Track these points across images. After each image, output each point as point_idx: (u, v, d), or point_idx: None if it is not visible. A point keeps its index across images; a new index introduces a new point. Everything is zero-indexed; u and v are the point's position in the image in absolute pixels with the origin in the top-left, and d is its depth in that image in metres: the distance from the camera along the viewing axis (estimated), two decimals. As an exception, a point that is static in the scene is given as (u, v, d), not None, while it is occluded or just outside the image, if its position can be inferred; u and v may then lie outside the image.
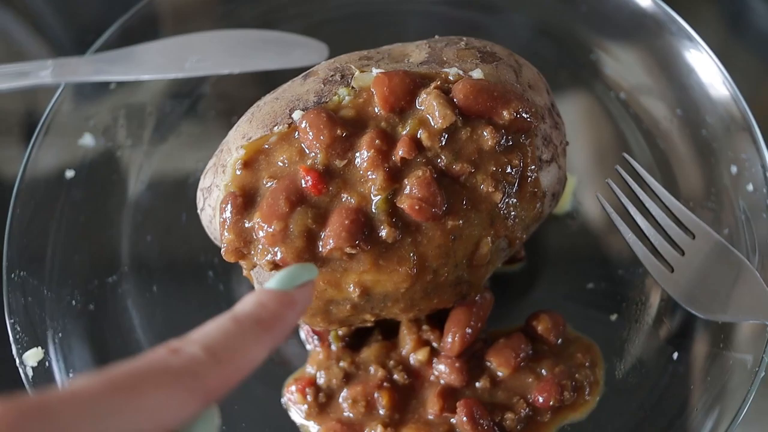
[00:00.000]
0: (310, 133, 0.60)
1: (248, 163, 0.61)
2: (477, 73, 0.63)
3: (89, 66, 0.75)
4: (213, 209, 0.64)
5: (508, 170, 0.61)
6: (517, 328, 0.69)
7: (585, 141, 0.76)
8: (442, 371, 0.66)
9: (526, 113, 0.61)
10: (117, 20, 0.78)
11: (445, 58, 0.64)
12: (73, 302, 0.71)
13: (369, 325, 0.66)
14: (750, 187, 0.70)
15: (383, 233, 0.58)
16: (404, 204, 0.58)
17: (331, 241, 0.58)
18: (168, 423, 0.37)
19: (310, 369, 0.68)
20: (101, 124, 0.77)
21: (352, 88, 0.62)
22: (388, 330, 0.69)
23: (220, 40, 0.76)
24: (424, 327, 0.68)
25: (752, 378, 0.63)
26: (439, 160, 0.60)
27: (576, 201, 0.75)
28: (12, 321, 0.67)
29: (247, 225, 0.60)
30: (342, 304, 0.61)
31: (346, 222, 0.58)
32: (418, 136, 0.60)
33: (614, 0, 0.80)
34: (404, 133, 0.60)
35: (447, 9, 0.86)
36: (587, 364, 0.67)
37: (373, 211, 0.59)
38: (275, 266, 0.59)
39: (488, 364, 0.67)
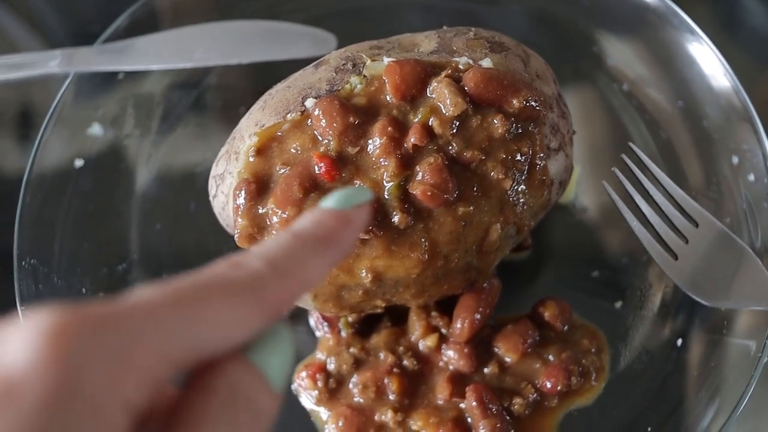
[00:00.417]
0: (323, 121, 0.60)
1: (261, 150, 0.62)
2: (486, 63, 0.64)
3: (97, 56, 0.75)
4: (226, 196, 0.64)
5: (518, 158, 0.62)
6: (524, 314, 0.70)
7: (588, 131, 0.77)
8: (451, 357, 0.67)
9: (534, 102, 0.62)
10: (116, 13, 0.78)
11: (454, 48, 0.65)
12: (84, 290, 0.71)
13: (379, 311, 0.67)
14: (751, 177, 0.71)
15: (395, 219, 0.59)
16: (416, 190, 0.59)
17: (344, 227, 0.59)
18: (234, 336, 0.36)
19: (320, 355, 0.69)
20: (109, 114, 0.78)
21: (364, 76, 0.63)
22: (397, 317, 0.70)
23: (227, 31, 0.76)
24: (433, 313, 0.69)
25: (755, 363, 0.64)
26: (450, 148, 0.60)
27: (579, 190, 0.76)
28: (24, 308, 0.67)
29: (260, 211, 0.60)
30: (354, 290, 0.62)
31: (359, 208, 0.59)
32: (430, 124, 0.60)
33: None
34: (416, 120, 0.61)
35: (449, 2, 0.87)
36: (593, 350, 0.68)
37: (386, 197, 0.60)
38: (288, 251, 0.60)
39: (496, 349, 0.68)
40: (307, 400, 0.67)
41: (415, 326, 0.69)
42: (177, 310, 0.35)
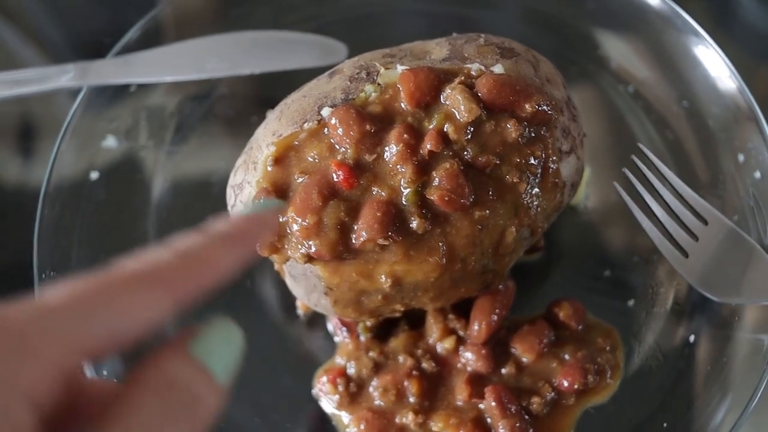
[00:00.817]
0: (340, 129, 0.61)
1: (279, 160, 0.63)
2: (498, 68, 0.65)
3: (110, 69, 0.76)
4: (244, 205, 0.65)
5: (531, 161, 0.63)
6: (539, 315, 0.71)
7: (595, 132, 0.78)
8: (469, 358, 0.68)
9: (546, 106, 0.63)
10: (112, 25, 0.79)
11: (466, 55, 0.66)
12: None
13: (397, 315, 0.68)
14: (757, 174, 0.73)
15: (414, 224, 0.60)
16: (434, 196, 0.60)
17: (364, 233, 0.60)
18: (142, 321, 0.37)
19: (339, 360, 0.70)
20: (123, 126, 0.79)
21: (378, 84, 0.64)
22: (414, 320, 0.71)
23: (237, 42, 0.77)
24: (450, 316, 0.70)
25: (767, 357, 0.65)
26: (465, 153, 0.61)
27: (589, 190, 0.78)
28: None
29: (280, 219, 0.61)
30: (374, 295, 0.63)
31: (378, 214, 0.60)
32: (445, 130, 0.61)
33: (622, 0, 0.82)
34: (431, 127, 0.62)
35: (451, 7, 0.88)
36: (608, 348, 0.70)
37: (403, 203, 0.61)
38: (309, 259, 0.61)
39: (513, 350, 0.69)
40: (328, 404, 0.68)
41: (433, 329, 0.70)
42: (81, 303, 0.36)
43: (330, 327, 0.72)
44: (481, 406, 0.66)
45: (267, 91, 0.83)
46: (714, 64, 0.77)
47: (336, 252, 0.60)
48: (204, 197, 0.78)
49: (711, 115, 0.77)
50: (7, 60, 0.95)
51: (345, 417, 0.68)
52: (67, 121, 0.75)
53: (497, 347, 0.69)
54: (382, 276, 0.62)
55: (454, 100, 0.62)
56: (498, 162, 0.62)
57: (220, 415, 0.38)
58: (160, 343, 0.38)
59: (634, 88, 0.81)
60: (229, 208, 0.68)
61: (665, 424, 0.67)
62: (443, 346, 0.69)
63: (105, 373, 0.67)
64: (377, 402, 0.67)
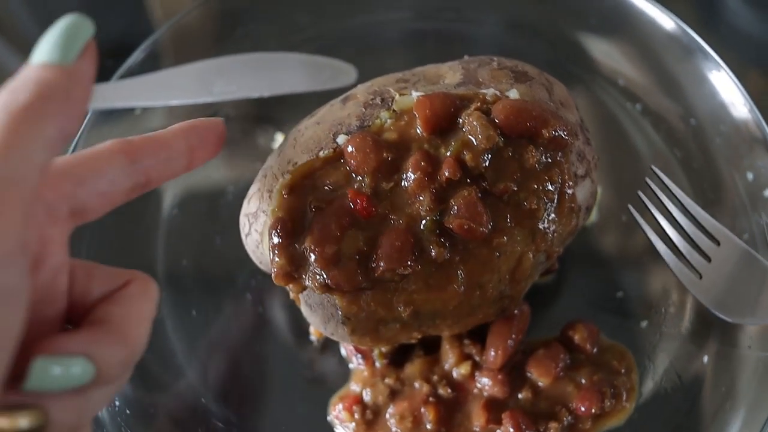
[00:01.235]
0: (357, 157, 0.61)
1: (294, 188, 0.62)
2: (513, 93, 0.64)
3: (116, 92, 0.75)
4: (260, 234, 0.65)
5: (549, 187, 0.63)
6: (553, 338, 0.71)
7: (604, 151, 0.78)
8: (486, 384, 0.68)
9: (563, 131, 0.63)
10: (117, 34, 0.78)
11: (480, 79, 0.66)
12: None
13: (413, 341, 0.68)
14: (767, 193, 0.73)
15: (432, 253, 0.60)
16: (452, 224, 0.60)
17: (383, 263, 0.59)
18: (112, 180, 0.49)
19: (355, 387, 0.70)
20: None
21: (393, 111, 0.63)
22: (429, 345, 0.71)
23: (245, 64, 0.76)
24: (466, 341, 0.69)
25: (783, 378, 0.65)
26: (482, 180, 0.61)
27: (600, 210, 0.78)
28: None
29: (297, 249, 0.61)
30: (392, 324, 0.63)
31: (397, 243, 0.60)
32: (462, 157, 0.61)
33: (628, 17, 0.82)
34: (448, 154, 0.61)
35: (443, 24, 0.88)
36: (623, 371, 0.69)
37: (422, 231, 0.60)
38: (328, 289, 0.60)
39: (529, 374, 0.69)
40: (344, 432, 0.68)
41: (448, 355, 0.69)
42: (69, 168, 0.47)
43: (344, 352, 0.72)
44: (499, 431, 0.66)
45: (273, 111, 0.82)
46: (720, 81, 0.77)
47: (355, 282, 0.60)
48: (213, 221, 0.77)
49: (719, 132, 0.77)
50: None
51: (362, 444, 0.68)
52: (72, 145, 0.74)
53: (513, 372, 0.69)
54: (401, 305, 0.61)
55: (471, 126, 0.61)
56: (515, 188, 0.62)
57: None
58: None
59: (642, 106, 0.81)
60: (243, 236, 0.67)
61: (681, 447, 0.67)
62: (459, 372, 0.69)
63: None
64: (394, 429, 0.67)
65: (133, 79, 0.76)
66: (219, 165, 0.81)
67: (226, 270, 0.75)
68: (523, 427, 0.65)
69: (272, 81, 0.76)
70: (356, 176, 0.61)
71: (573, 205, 0.65)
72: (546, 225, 0.63)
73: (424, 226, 0.60)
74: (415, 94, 0.64)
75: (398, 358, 0.71)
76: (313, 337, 0.73)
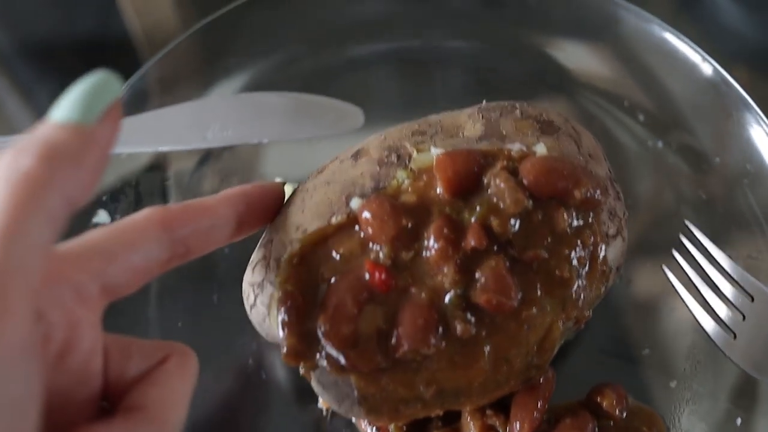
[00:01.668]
0: (374, 224, 0.56)
1: (305, 258, 0.57)
2: (540, 148, 0.60)
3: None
4: (267, 307, 0.59)
5: (580, 252, 0.58)
6: (578, 403, 0.67)
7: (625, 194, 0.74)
8: (511, 458, 0.63)
9: (595, 191, 0.58)
10: (77, 26, 0.72)
11: (503, 131, 0.61)
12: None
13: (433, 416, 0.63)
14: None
15: (458, 330, 0.55)
16: (480, 299, 0.55)
17: (405, 344, 0.54)
18: (148, 255, 0.47)
19: (369, 460, 0.65)
20: (115, 199, 0.72)
21: (411, 170, 0.58)
22: (449, 415, 0.66)
23: (242, 105, 0.70)
24: (488, 412, 0.65)
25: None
26: (510, 247, 0.56)
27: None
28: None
29: (309, 327, 0.56)
30: (412, 403, 0.58)
31: (420, 321, 0.55)
32: (488, 223, 0.56)
33: (649, 47, 0.77)
34: (473, 220, 0.56)
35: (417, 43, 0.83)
36: (653, 436, 0.66)
37: (446, 306, 0.55)
38: (343, 371, 0.55)
39: (556, 446, 0.64)
40: None
41: (470, 426, 0.65)
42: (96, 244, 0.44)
43: (354, 419, 0.67)
44: (527, 508, 0.62)
45: (273, 154, 0.76)
46: (746, 117, 0.72)
47: (374, 363, 0.55)
48: (209, 278, 0.71)
49: (746, 173, 0.72)
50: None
51: None
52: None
53: (538, 442, 0.64)
54: (423, 385, 0.56)
55: (498, 189, 0.56)
56: (546, 255, 0.57)
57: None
58: None
59: (663, 143, 0.77)
60: (247, 307, 0.62)
61: None
62: (482, 445, 0.64)
63: None
64: (413, 506, 0.62)
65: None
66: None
67: (225, 332, 0.69)
68: (554, 502, 0.61)
69: (272, 125, 0.70)
70: (373, 245, 0.56)
71: (605, 268, 0.60)
72: (577, 291, 0.59)
73: (448, 300, 0.55)
74: (434, 151, 0.59)
75: (416, 429, 0.66)
76: (322, 405, 0.68)
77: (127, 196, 0.72)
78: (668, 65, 0.76)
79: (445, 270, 0.55)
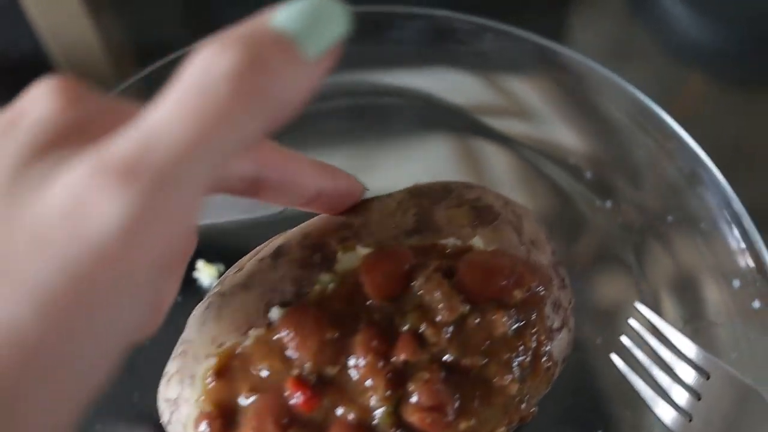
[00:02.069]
0: (295, 339, 0.51)
1: (222, 373, 0.52)
2: (477, 242, 0.55)
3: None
4: (183, 426, 0.54)
5: (522, 356, 0.53)
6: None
7: (571, 260, 0.69)
8: None
9: (539, 287, 0.54)
10: None
11: (437, 221, 0.56)
12: None
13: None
14: (756, 304, 0.65)
15: (390, 451, 0.50)
16: (413, 417, 0.50)
17: (332, 470, 0.50)
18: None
19: None
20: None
21: (336, 272, 0.53)
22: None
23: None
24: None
25: None
26: (445, 355, 0.52)
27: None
28: None
29: None
30: None
31: (348, 444, 0.50)
32: (420, 332, 0.51)
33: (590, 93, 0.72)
34: (404, 329, 0.51)
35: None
36: None
37: (376, 425, 0.51)
38: (266, 500, 0.51)
39: None
40: None
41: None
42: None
43: None
44: None
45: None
46: (702, 174, 0.68)
47: (296, 491, 0.50)
48: (130, 372, 0.65)
49: (699, 231, 0.68)
50: None
51: None
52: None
53: None
54: None
55: (431, 296, 0.51)
56: (484, 361, 0.52)
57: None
58: None
59: (612, 203, 0.72)
60: (163, 423, 0.56)
61: None
62: None
63: None
64: None
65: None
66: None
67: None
68: None
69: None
70: (294, 359, 0.51)
71: (549, 364, 0.56)
72: (520, 395, 0.54)
73: (379, 418, 0.51)
74: (360, 251, 0.54)
75: None
76: None
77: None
78: (615, 121, 0.71)
79: (375, 385, 0.51)
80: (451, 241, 0.54)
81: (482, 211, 0.57)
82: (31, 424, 0.30)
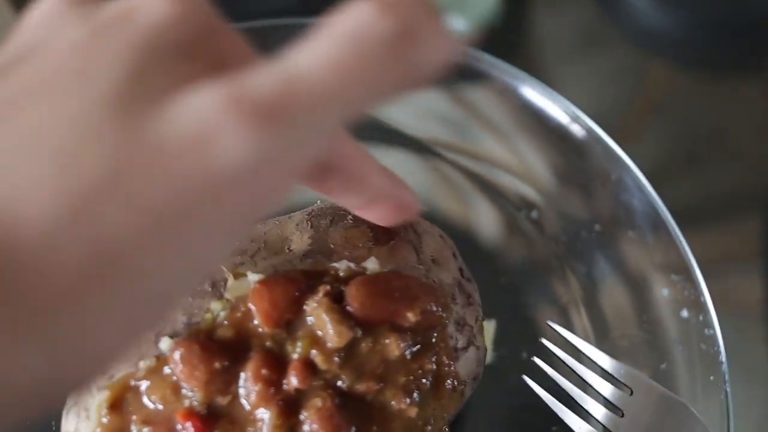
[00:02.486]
0: (184, 370, 0.50)
1: (115, 405, 0.52)
2: (371, 264, 0.54)
3: None
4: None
5: (422, 377, 0.52)
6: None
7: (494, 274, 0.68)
8: None
9: (434, 307, 0.52)
10: None
11: (332, 245, 0.55)
12: None
13: None
14: (684, 314, 0.63)
15: (284, 482, 0.49)
16: (306, 447, 0.49)
17: (222, 503, 0.49)
18: None
19: None
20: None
21: (227, 300, 0.52)
22: None
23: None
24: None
25: None
26: (339, 381, 0.51)
27: (498, 349, 0.67)
28: None
29: None
30: None
31: (239, 476, 0.49)
32: (312, 358, 0.50)
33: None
34: (295, 355, 0.50)
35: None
36: None
37: (269, 454, 0.50)
38: None
39: None
40: None
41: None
42: None
43: None
44: None
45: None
46: (627, 181, 0.66)
47: None
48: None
49: (627, 239, 0.67)
50: None
51: None
52: None
53: None
54: None
55: (320, 321, 0.50)
56: (380, 386, 0.51)
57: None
58: None
59: (539, 213, 0.70)
60: (64, 456, 0.56)
61: None
62: None
63: None
64: None
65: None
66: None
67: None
68: None
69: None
70: (185, 389, 0.51)
71: (455, 383, 0.55)
72: (423, 416, 0.53)
73: (272, 448, 0.50)
74: (251, 277, 0.53)
75: None
76: None
77: None
78: (536, 126, 0.69)
79: (267, 414, 0.50)
80: (343, 265, 0.53)
81: (380, 231, 0.56)
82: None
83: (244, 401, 0.50)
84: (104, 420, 0.51)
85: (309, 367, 0.50)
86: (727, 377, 0.61)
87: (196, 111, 0.29)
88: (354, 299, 0.51)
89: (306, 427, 0.50)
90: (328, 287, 0.51)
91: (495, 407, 0.66)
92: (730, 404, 0.60)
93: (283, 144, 0.30)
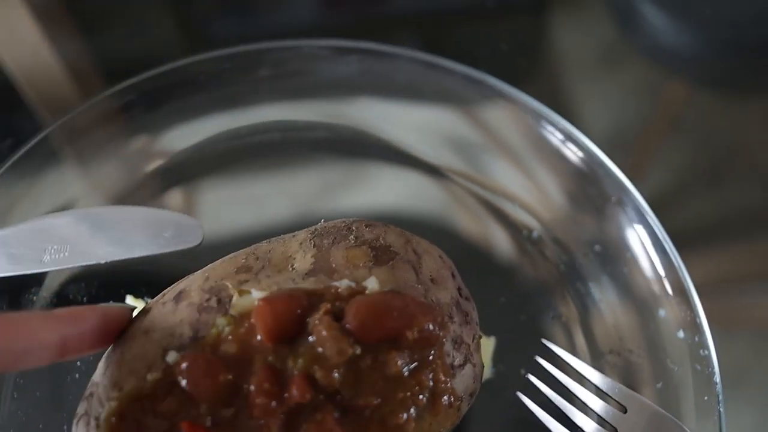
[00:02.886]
0: (190, 382, 0.52)
1: (123, 416, 0.53)
2: (372, 283, 0.55)
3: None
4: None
5: (420, 394, 0.54)
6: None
7: (496, 292, 0.69)
8: None
9: (432, 326, 0.54)
10: None
11: (333, 265, 0.57)
12: None
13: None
14: (681, 334, 0.65)
15: (286, 493, 0.51)
16: (306, 460, 0.51)
17: None
18: None
19: None
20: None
21: (232, 316, 0.54)
22: None
23: (80, 222, 0.66)
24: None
25: None
26: (339, 396, 0.52)
27: (498, 365, 0.69)
28: None
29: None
30: None
31: (242, 488, 0.51)
32: (313, 373, 0.52)
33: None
34: (296, 370, 0.52)
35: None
36: None
37: (271, 467, 0.52)
38: None
39: None
40: None
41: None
42: None
43: None
44: None
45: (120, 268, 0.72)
46: (627, 203, 0.68)
47: None
48: (58, 404, 0.67)
49: (625, 261, 0.68)
50: None
51: None
52: None
53: None
54: None
55: (321, 338, 0.52)
56: (379, 401, 0.53)
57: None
58: None
59: (539, 234, 0.72)
60: (74, 463, 0.58)
61: None
62: None
63: None
64: None
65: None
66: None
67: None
68: None
69: (108, 244, 0.65)
70: (191, 401, 0.52)
71: (452, 400, 0.56)
72: (420, 431, 0.55)
73: (274, 461, 0.52)
74: (255, 294, 0.54)
75: None
76: None
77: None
78: (539, 149, 0.71)
79: (269, 427, 0.51)
80: (344, 283, 0.55)
81: (381, 250, 0.57)
82: None
83: (248, 414, 0.52)
84: (114, 430, 0.53)
85: (310, 382, 0.52)
86: (720, 397, 0.62)
87: None
88: (354, 318, 0.53)
89: (306, 442, 0.51)
90: (329, 305, 0.53)
91: (493, 422, 0.67)
92: (723, 425, 0.61)
93: None
